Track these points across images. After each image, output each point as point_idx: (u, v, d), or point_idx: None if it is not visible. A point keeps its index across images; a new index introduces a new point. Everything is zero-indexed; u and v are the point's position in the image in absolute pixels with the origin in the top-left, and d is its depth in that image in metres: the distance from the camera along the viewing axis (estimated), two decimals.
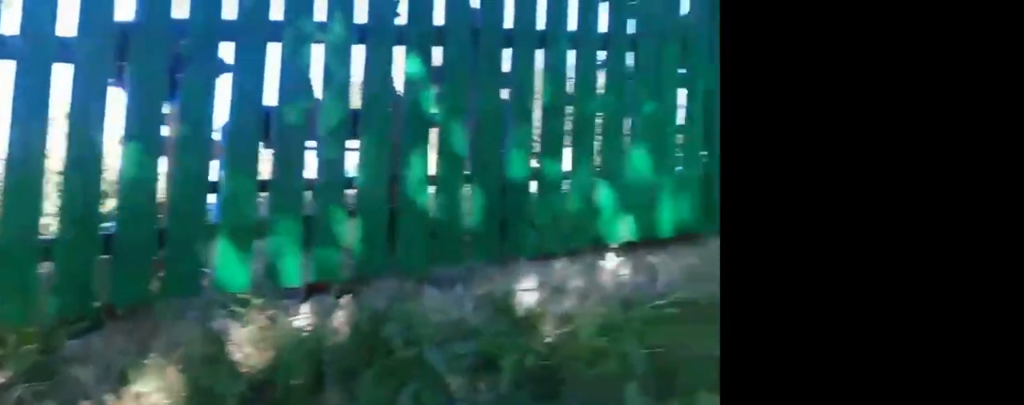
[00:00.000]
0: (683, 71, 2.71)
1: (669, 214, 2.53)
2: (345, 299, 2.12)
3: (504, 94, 2.47)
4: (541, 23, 2.53)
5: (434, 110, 2.41)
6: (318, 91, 2.31)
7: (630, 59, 2.63)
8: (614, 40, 2.60)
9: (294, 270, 2.16)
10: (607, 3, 2.63)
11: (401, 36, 2.37)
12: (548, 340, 1.99)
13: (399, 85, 2.45)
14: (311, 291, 2.18)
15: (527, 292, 2.22)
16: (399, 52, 2.41)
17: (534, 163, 2.52)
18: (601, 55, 2.59)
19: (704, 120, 2.67)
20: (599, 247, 2.45)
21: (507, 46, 2.47)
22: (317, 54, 2.27)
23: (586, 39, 2.56)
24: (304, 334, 1.94)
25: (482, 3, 2.48)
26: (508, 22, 2.48)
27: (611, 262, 2.40)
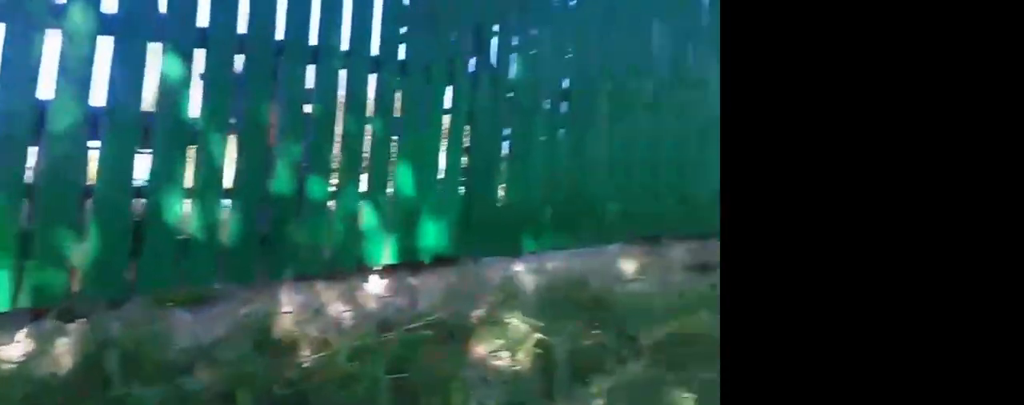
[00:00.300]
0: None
1: (432, 237, 2.58)
2: (76, 325, 1.88)
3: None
4: (314, 38, 2.45)
5: (193, 117, 2.22)
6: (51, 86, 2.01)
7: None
8: (384, 63, 2.59)
9: (3, 292, 1.85)
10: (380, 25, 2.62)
11: (158, 32, 2.15)
12: (305, 365, 1.95)
13: (154, 85, 2.22)
14: (37, 316, 1.89)
15: (285, 315, 2.14)
16: (156, 49, 2.18)
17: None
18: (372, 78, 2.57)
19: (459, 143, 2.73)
20: (363, 269, 2.44)
21: (278, 56, 2.36)
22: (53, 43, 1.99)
23: (358, 57, 2.53)
24: (9, 366, 1.68)
25: (251, 10, 2.34)
26: (280, 33, 2.37)
27: (374, 284, 2.40)
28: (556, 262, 2.83)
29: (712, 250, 3.86)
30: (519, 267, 2.68)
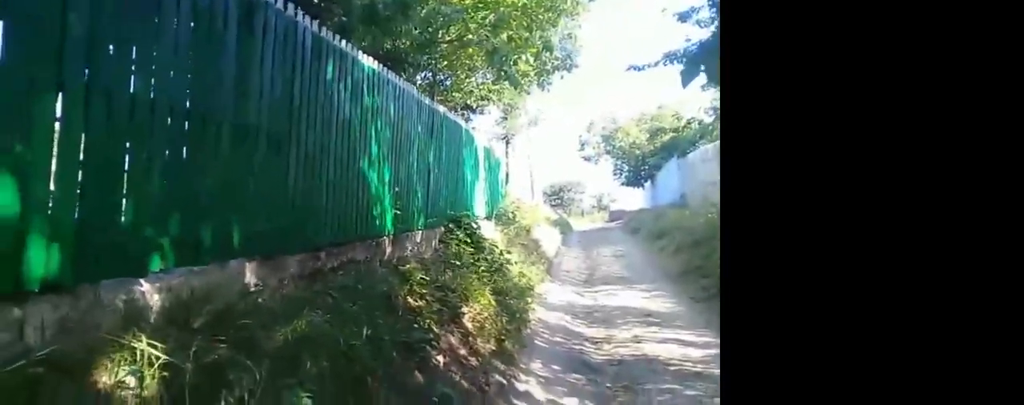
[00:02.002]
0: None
1: (40, 262, 2.21)
2: None
3: None
4: None
5: None
6: None
7: None
8: None
9: None
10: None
11: None
12: None
13: None
14: None
15: None
16: None
17: None
18: None
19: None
20: None
21: None
22: None
23: None
24: None
25: None
26: None
27: None
28: (180, 280, 2.71)
29: (321, 261, 4.09)
30: (144, 288, 2.50)
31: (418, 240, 6.52)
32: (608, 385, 5.40)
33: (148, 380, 2.11)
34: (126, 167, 2.52)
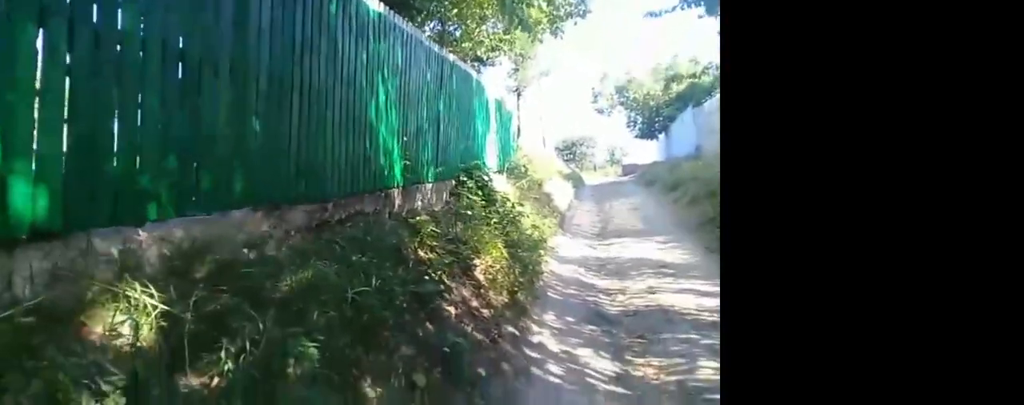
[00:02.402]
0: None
1: (27, 208, 2.09)
2: None
3: None
4: None
5: None
6: None
7: None
8: None
9: None
10: None
11: None
12: None
13: None
14: None
15: None
16: None
17: None
18: None
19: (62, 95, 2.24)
20: None
21: None
22: None
23: None
24: None
25: None
26: None
27: None
28: (181, 230, 2.61)
29: (329, 212, 3.99)
30: (141, 237, 2.40)
31: (428, 192, 6.40)
32: (623, 335, 5.34)
33: (145, 330, 2.03)
34: (116, 108, 2.38)
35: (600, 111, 39.88)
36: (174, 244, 2.57)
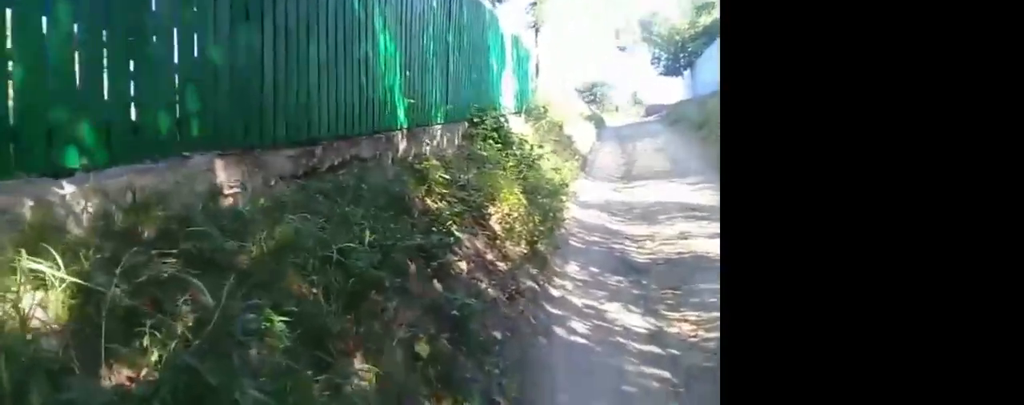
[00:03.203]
0: None
1: None
2: None
3: None
4: None
5: None
6: None
7: None
8: None
9: None
10: None
11: None
12: None
13: None
14: None
15: None
16: None
17: None
18: None
19: None
20: None
21: None
22: None
23: None
24: None
25: None
26: None
27: None
28: (120, 181, 2.15)
29: (316, 158, 3.51)
30: (65, 191, 1.94)
31: (437, 135, 5.88)
32: (653, 287, 4.88)
33: (55, 310, 1.59)
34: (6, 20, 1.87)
35: (622, 48, 38.39)
36: (112, 198, 2.11)
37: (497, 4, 12.06)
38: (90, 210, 2.03)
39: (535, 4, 15.96)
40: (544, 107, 12.81)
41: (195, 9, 2.53)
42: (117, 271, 1.74)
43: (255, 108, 2.89)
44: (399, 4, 4.76)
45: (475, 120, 7.13)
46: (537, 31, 16.55)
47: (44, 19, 1.95)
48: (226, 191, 2.70)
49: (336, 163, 3.68)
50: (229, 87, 2.72)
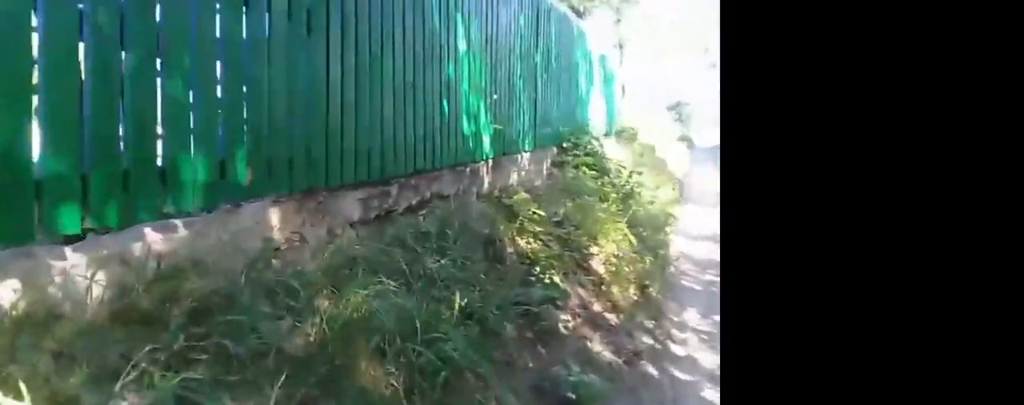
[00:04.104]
0: None
1: None
2: None
3: None
4: None
5: None
6: None
7: None
8: None
9: None
10: None
11: None
12: None
13: None
14: None
15: None
16: None
17: None
18: None
19: None
20: None
21: None
22: None
23: None
24: None
25: None
26: None
27: None
28: (139, 244, 1.68)
29: (392, 198, 3.00)
30: (66, 263, 1.49)
31: (525, 164, 5.32)
32: None
33: None
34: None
35: (713, 65, 37.12)
36: (132, 267, 1.64)
37: (582, 21, 11.55)
38: (101, 284, 1.56)
39: (619, 21, 15.37)
40: (634, 129, 12.10)
41: (241, 18, 2.08)
42: (117, 386, 1.24)
43: (318, 141, 2.41)
44: (484, 20, 4.26)
45: (566, 145, 6.54)
46: (622, 48, 15.93)
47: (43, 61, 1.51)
48: (282, 245, 2.21)
49: (414, 203, 3.16)
50: (286, 116, 2.25)
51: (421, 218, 3.14)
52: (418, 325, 1.97)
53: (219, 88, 1.98)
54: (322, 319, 1.80)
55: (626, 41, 15.85)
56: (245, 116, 2.07)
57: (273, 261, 2.12)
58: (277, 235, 2.19)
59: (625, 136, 11.02)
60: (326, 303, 1.93)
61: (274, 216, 2.18)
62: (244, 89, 2.08)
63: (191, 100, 1.87)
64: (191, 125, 1.88)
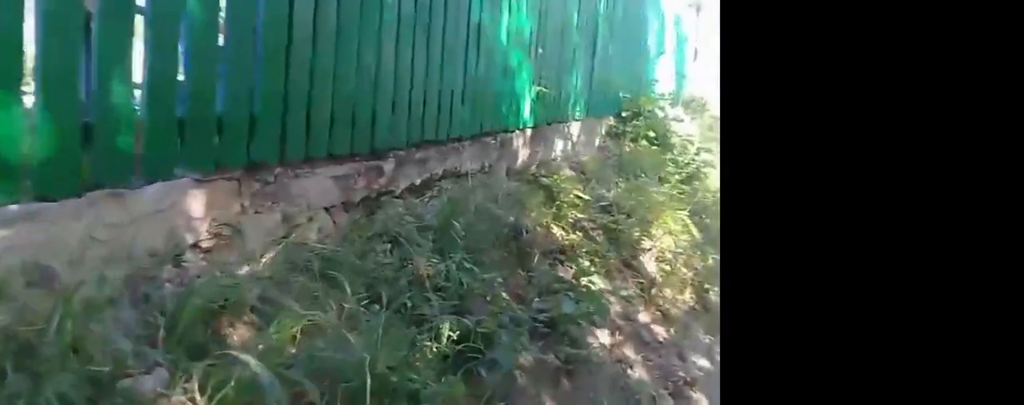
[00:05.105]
0: None
1: None
2: None
3: None
4: None
5: None
6: None
7: None
8: None
9: None
10: None
11: None
12: None
13: None
14: None
15: None
16: None
17: None
18: None
19: None
20: None
21: None
22: None
23: None
24: None
25: None
26: None
27: None
28: None
29: (385, 176, 2.37)
30: None
31: (574, 134, 4.61)
32: None
33: None
34: None
35: None
36: None
37: None
38: None
39: None
40: (704, 99, 11.12)
41: None
42: None
43: (269, 97, 1.79)
44: None
45: (625, 114, 5.76)
46: (698, 11, 14.70)
47: None
48: (203, 242, 1.62)
49: (418, 182, 2.53)
50: (207, 57, 1.63)
51: (427, 200, 2.51)
52: (369, 381, 1.34)
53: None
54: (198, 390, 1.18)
55: (703, 4, 14.60)
56: (129, 52, 1.45)
57: (184, 264, 1.54)
58: (198, 227, 1.60)
59: (693, 106, 10.07)
60: (254, 329, 1.33)
61: (194, 201, 1.59)
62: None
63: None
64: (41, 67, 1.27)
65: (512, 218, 2.90)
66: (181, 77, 1.54)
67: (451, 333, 1.78)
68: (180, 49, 1.53)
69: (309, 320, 1.48)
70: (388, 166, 2.28)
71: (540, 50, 3.68)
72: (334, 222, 2.10)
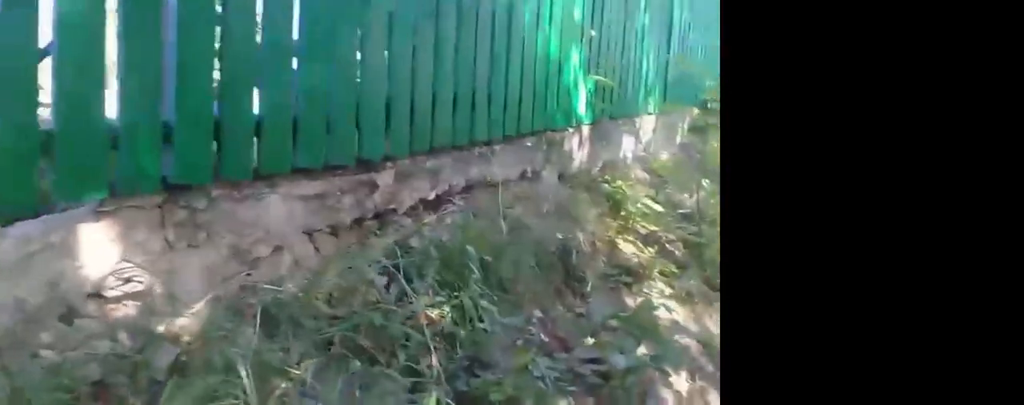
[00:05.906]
0: None
1: None
2: None
3: None
4: None
5: None
6: None
7: None
8: None
9: None
10: None
11: None
12: None
13: None
14: None
15: None
16: None
17: None
18: None
19: None
20: None
21: None
22: None
23: None
24: None
25: None
26: None
27: None
28: None
29: (380, 191, 1.96)
30: None
31: (647, 131, 4.06)
32: None
33: None
34: None
35: None
36: None
37: None
38: None
39: None
40: None
41: None
42: None
43: (197, 100, 1.41)
44: None
45: (710, 106, 5.13)
46: None
47: None
48: (107, 291, 1.26)
49: (432, 196, 2.10)
50: (87, 48, 1.27)
51: (445, 218, 2.09)
52: None
53: None
54: None
55: None
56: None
57: (76, 323, 1.18)
58: (97, 271, 1.24)
59: None
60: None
61: (90, 237, 1.23)
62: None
63: None
64: None
65: (560, 235, 2.43)
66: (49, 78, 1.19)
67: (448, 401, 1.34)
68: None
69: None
70: (384, 179, 1.87)
71: (592, 32, 3.18)
72: (318, 251, 1.71)
